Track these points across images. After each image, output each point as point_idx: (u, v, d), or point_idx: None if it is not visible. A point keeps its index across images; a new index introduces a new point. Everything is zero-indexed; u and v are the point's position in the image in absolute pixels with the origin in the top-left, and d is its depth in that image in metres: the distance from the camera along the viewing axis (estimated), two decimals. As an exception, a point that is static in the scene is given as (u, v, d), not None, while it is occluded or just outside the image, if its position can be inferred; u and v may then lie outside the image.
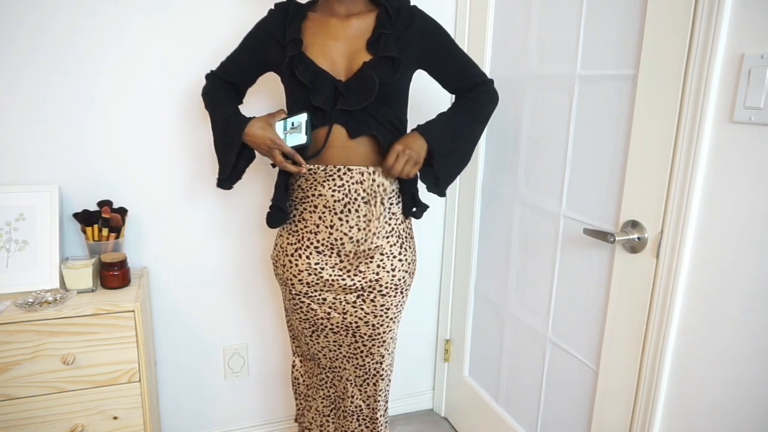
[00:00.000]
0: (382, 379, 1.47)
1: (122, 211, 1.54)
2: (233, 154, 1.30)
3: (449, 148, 1.32)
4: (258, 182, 1.75)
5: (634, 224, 1.18)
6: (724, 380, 1.02)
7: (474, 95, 1.37)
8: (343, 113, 1.25)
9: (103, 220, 1.49)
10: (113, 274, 1.45)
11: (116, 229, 1.51)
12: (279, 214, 1.35)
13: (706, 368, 1.06)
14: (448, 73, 1.36)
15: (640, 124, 1.15)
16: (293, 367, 1.57)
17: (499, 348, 1.78)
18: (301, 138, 1.23)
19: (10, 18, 1.41)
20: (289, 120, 1.26)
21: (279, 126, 1.27)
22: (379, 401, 1.48)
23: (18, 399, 1.33)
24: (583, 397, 1.41)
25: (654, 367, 1.15)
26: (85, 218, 1.49)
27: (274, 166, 1.30)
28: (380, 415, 1.51)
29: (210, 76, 1.42)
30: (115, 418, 1.41)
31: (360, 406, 1.49)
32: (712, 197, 1.02)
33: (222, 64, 1.41)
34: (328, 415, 1.56)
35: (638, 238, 1.16)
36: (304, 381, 1.57)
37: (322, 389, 1.53)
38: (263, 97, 1.67)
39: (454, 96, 1.43)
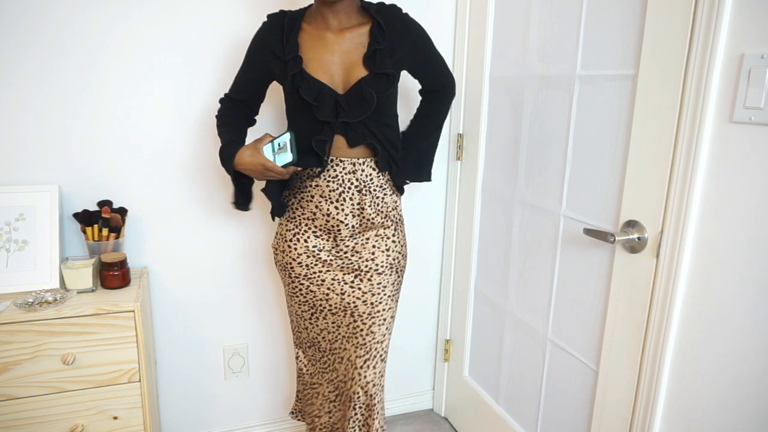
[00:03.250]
0: (382, 360, 1.49)
1: (122, 211, 1.54)
2: (232, 179, 1.40)
3: (418, 172, 1.56)
4: (257, 184, 1.74)
5: (634, 224, 1.18)
6: (725, 380, 1.02)
7: (440, 99, 1.53)
8: (344, 124, 1.33)
9: (103, 220, 1.49)
10: (113, 274, 1.45)
11: (116, 229, 1.51)
12: (279, 207, 1.44)
13: (706, 368, 1.06)
14: (429, 76, 1.48)
15: (640, 124, 1.15)
16: (297, 358, 1.60)
17: (499, 348, 1.78)
18: (287, 157, 1.29)
19: (9, 18, 1.41)
20: (276, 141, 1.31)
21: (267, 149, 1.32)
22: (376, 386, 1.49)
23: (18, 399, 1.33)
24: (583, 397, 1.41)
25: (654, 367, 1.15)
26: (85, 218, 1.49)
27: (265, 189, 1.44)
28: (377, 402, 1.50)
29: (223, 100, 1.46)
30: (115, 418, 1.41)
31: (358, 392, 1.48)
32: (712, 197, 1.02)
33: (232, 85, 1.45)
34: (334, 401, 1.58)
35: (638, 238, 1.16)
36: (308, 370, 1.60)
37: (326, 373, 1.56)
38: (268, 107, 1.67)
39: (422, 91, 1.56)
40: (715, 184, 1.01)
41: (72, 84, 1.50)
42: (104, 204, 1.54)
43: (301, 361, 1.60)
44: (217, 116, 1.45)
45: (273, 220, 1.50)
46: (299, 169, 1.34)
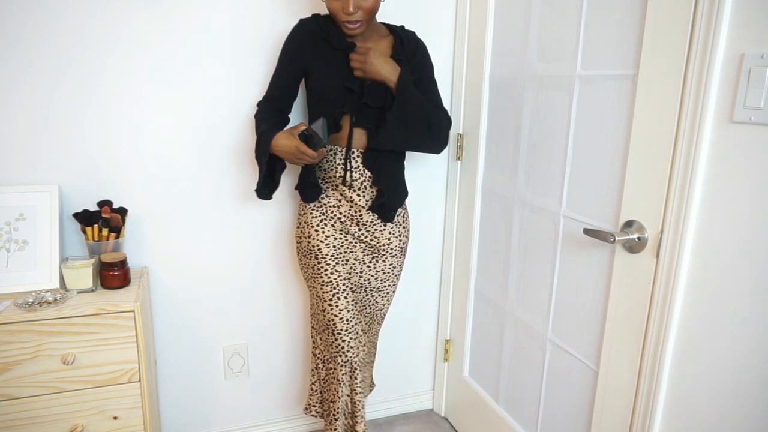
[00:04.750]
0: (378, 323, 1.75)
1: (122, 211, 1.54)
2: (263, 164, 1.44)
3: (408, 105, 1.45)
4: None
5: (633, 224, 1.18)
6: (725, 380, 1.02)
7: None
8: (357, 108, 1.47)
9: (103, 220, 1.49)
10: (113, 274, 1.45)
11: (116, 229, 1.51)
12: (313, 190, 1.54)
13: (706, 368, 1.06)
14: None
15: (640, 124, 1.15)
16: (314, 350, 1.68)
17: (499, 348, 1.78)
18: (319, 140, 1.37)
19: (11, 18, 1.41)
20: (310, 126, 1.38)
21: (301, 135, 1.38)
22: (377, 334, 1.78)
23: (18, 399, 1.33)
24: (583, 397, 1.41)
25: (654, 367, 1.15)
26: (85, 218, 1.49)
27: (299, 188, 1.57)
28: (376, 342, 1.81)
29: (259, 103, 1.56)
30: (115, 418, 1.41)
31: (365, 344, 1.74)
32: (712, 197, 1.02)
33: (268, 88, 1.56)
34: (347, 383, 1.61)
35: (638, 238, 1.16)
36: (323, 356, 1.66)
37: (340, 355, 1.58)
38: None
39: None
40: (715, 184, 1.01)
41: (72, 84, 1.50)
42: (104, 204, 1.54)
43: (318, 357, 1.68)
44: (255, 115, 1.54)
45: (309, 202, 1.55)
46: (325, 152, 1.41)
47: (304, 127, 1.37)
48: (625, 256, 1.21)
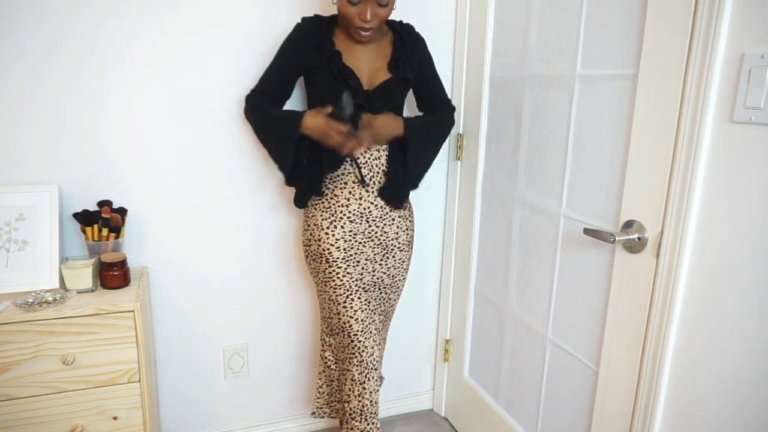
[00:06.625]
0: (390, 319, 1.79)
1: (122, 211, 1.54)
2: (292, 147, 1.47)
3: (421, 142, 1.59)
4: (257, 182, 1.75)
5: (633, 224, 1.18)
6: (725, 380, 1.02)
7: (443, 111, 1.68)
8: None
9: (103, 220, 1.49)
10: (113, 274, 1.45)
11: (116, 229, 1.51)
12: (315, 188, 1.54)
13: (706, 368, 1.06)
14: (426, 91, 1.68)
15: (640, 124, 1.15)
16: (323, 353, 1.70)
17: (499, 348, 1.78)
18: (346, 113, 1.42)
19: (10, 18, 1.41)
20: (336, 106, 1.42)
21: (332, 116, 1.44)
22: (387, 330, 1.81)
23: (18, 399, 1.33)
24: (583, 397, 1.41)
25: (654, 367, 1.15)
26: (85, 218, 1.49)
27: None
28: (386, 337, 1.84)
29: (251, 96, 1.55)
30: (115, 418, 1.41)
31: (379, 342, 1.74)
32: (712, 197, 1.02)
33: (260, 81, 1.54)
34: (363, 383, 1.60)
35: (638, 238, 1.16)
36: (335, 358, 1.67)
37: (356, 356, 1.58)
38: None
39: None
40: (715, 184, 1.01)
41: (72, 84, 1.50)
42: (104, 204, 1.54)
43: (328, 358, 1.70)
44: (250, 114, 1.54)
45: (301, 206, 1.59)
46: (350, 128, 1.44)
47: (330, 108, 1.42)
48: (625, 256, 1.21)
